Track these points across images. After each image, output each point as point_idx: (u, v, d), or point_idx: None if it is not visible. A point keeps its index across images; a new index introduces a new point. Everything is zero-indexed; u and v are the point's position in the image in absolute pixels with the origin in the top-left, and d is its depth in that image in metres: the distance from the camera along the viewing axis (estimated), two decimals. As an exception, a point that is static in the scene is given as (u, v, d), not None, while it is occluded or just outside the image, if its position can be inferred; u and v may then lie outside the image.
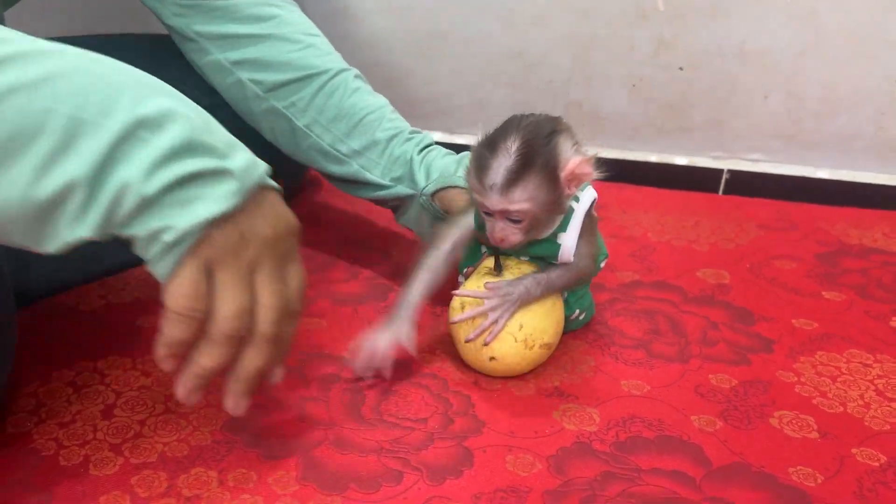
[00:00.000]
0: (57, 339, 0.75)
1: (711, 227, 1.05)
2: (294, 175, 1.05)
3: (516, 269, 0.71)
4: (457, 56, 1.21)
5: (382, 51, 1.23)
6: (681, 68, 1.16)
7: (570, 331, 0.78)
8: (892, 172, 1.15)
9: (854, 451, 0.64)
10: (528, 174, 0.63)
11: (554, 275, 0.70)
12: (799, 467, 0.62)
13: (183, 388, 0.52)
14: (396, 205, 0.85)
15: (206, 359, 0.51)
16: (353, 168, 0.84)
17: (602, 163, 0.67)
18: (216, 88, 0.85)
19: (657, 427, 0.66)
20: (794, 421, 0.67)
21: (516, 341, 0.68)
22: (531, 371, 0.72)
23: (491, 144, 0.64)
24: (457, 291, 0.71)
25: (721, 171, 1.19)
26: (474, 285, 0.70)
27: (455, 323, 0.70)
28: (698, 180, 1.20)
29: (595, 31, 1.15)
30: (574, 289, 0.74)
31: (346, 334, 0.77)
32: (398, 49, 1.22)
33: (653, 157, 1.22)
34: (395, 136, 0.83)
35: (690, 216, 1.08)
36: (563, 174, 0.64)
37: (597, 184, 0.70)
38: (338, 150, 0.84)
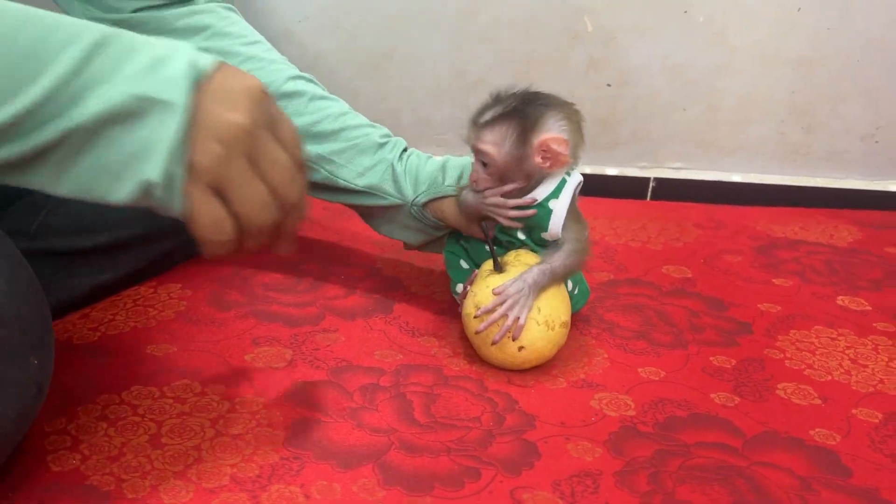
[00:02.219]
0: (66, 375, 0.70)
1: (656, 229, 1.13)
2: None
3: (518, 263, 0.74)
4: (402, 75, 1.23)
5: (327, 71, 1.23)
6: (609, 85, 1.25)
7: (574, 312, 0.82)
8: (794, 174, 1.29)
9: (854, 411, 0.72)
10: (502, 122, 0.71)
11: (556, 262, 0.74)
12: (817, 429, 0.69)
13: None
14: (369, 212, 0.85)
15: (254, 243, 0.51)
16: (321, 174, 0.82)
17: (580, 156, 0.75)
18: None
19: (686, 406, 0.71)
20: (796, 391, 0.75)
21: (538, 324, 0.72)
22: (556, 366, 0.76)
23: (495, 96, 0.73)
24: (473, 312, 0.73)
25: (648, 179, 1.29)
26: (482, 289, 0.73)
27: (478, 333, 0.72)
28: (628, 189, 1.29)
29: (534, 50, 1.22)
30: (574, 273, 0.79)
31: (368, 346, 0.77)
32: (344, 69, 1.23)
33: (586, 170, 1.29)
34: (364, 143, 0.82)
35: (635, 220, 1.16)
36: (537, 140, 0.70)
37: None
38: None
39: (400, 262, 0.96)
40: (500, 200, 0.74)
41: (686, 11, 1.20)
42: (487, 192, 0.74)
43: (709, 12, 1.19)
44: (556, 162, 0.72)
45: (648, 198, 1.29)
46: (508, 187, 0.73)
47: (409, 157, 0.84)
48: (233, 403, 0.67)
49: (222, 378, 0.71)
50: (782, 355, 0.81)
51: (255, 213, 0.49)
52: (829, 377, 0.77)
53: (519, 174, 0.73)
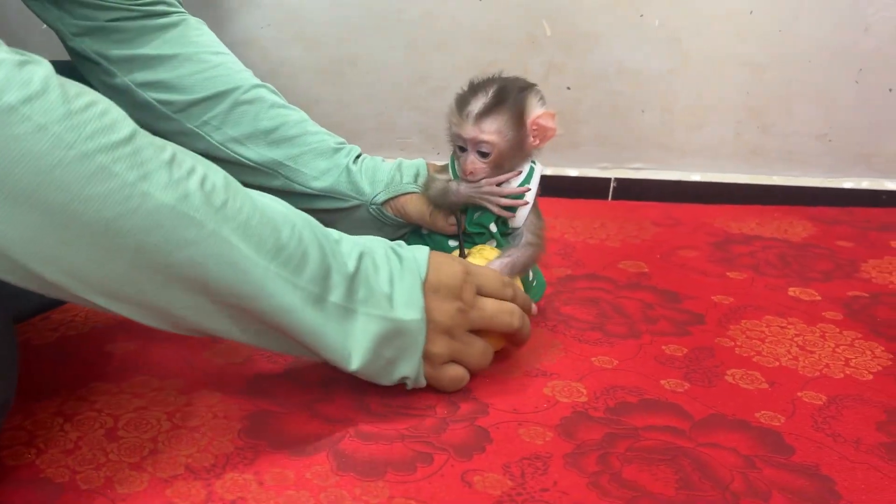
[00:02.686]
0: (24, 374, 0.70)
1: (615, 227, 1.16)
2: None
3: (479, 257, 0.76)
4: (365, 82, 1.25)
5: (290, 77, 1.25)
6: (568, 88, 1.28)
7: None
8: (751, 172, 1.32)
9: (800, 394, 0.74)
10: (500, 110, 0.74)
11: (516, 255, 0.77)
12: (763, 412, 0.71)
13: None
14: (329, 217, 0.86)
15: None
16: (279, 181, 0.84)
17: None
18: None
19: (637, 392, 0.73)
20: (744, 376, 0.77)
21: None
22: (511, 356, 0.77)
23: (472, 87, 0.76)
24: None
25: (609, 179, 1.32)
26: None
27: None
28: (589, 189, 1.31)
29: (494, 57, 1.24)
30: (531, 266, 0.81)
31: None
32: (307, 76, 1.25)
33: (548, 171, 1.31)
34: (320, 147, 0.84)
35: (595, 219, 1.18)
36: (529, 120, 0.75)
37: None
38: (259, 164, 0.83)
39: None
40: (497, 190, 0.76)
41: (642, 16, 1.23)
42: (483, 182, 0.76)
43: (663, 17, 1.23)
44: (544, 136, 0.76)
45: (610, 198, 1.32)
46: (504, 177, 0.76)
47: (363, 160, 0.86)
48: (190, 397, 0.68)
49: (181, 373, 0.72)
50: (733, 343, 0.83)
51: (481, 364, 0.71)
52: (777, 363, 0.79)
53: (517, 158, 0.76)
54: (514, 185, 0.77)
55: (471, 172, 0.76)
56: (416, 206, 0.82)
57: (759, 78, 1.26)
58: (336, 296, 0.61)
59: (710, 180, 1.31)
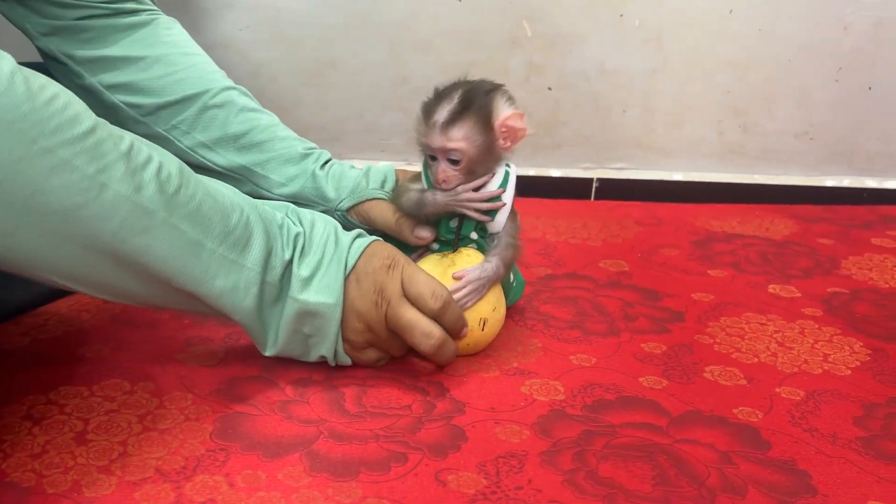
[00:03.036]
0: (-9, 377, 0.69)
1: (597, 226, 1.15)
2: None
3: (465, 259, 0.75)
4: (346, 84, 1.25)
5: (270, 80, 1.24)
6: (550, 88, 1.28)
7: (509, 305, 0.84)
8: (733, 171, 1.32)
9: (778, 389, 0.74)
10: (466, 116, 0.72)
11: (502, 254, 0.76)
12: (741, 408, 0.71)
13: None
14: None
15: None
16: (247, 186, 0.83)
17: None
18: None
19: (614, 390, 0.73)
20: (723, 373, 0.76)
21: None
22: (489, 356, 0.77)
23: (437, 94, 0.74)
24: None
25: (591, 179, 1.32)
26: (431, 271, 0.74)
27: None
28: (572, 189, 1.31)
29: (474, 57, 1.24)
30: (508, 272, 0.79)
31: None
32: (287, 78, 1.24)
33: (531, 171, 1.32)
34: (288, 153, 0.84)
35: (577, 219, 1.18)
36: (497, 122, 0.73)
37: None
38: (227, 170, 0.83)
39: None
40: (474, 195, 0.75)
41: (622, 15, 1.23)
42: (460, 188, 0.75)
43: (644, 16, 1.23)
44: (515, 137, 0.75)
45: (592, 198, 1.32)
46: (480, 181, 0.75)
47: (331, 166, 0.85)
48: (162, 400, 0.67)
49: (153, 377, 0.71)
50: (712, 340, 0.83)
51: (400, 353, 0.73)
52: (756, 359, 0.79)
53: (489, 162, 0.75)
54: (492, 188, 0.76)
55: (444, 181, 0.74)
56: (381, 213, 0.81)
57: (740, 77, 1.26)
58: (272, 277, 0.66)
59: (693, 179, 1.31)
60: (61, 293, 0.85)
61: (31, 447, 0.60)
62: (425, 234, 0.78)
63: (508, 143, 0.75)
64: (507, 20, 1.22)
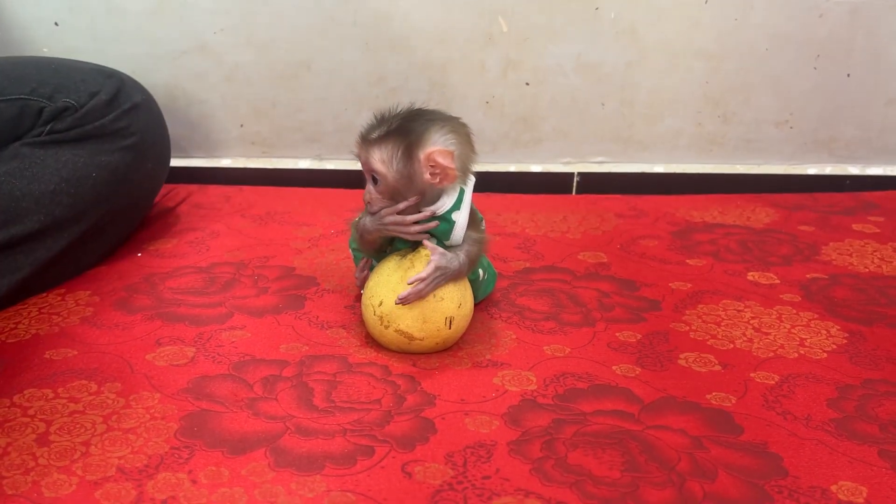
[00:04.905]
0: (-43, 382, 0.69)
1: (577, 220, 1.15)
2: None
3: (422, 259, 0.74)
4: (321, 85, 1.24)
5: (245, 83, 1.24)
6: (527, 84, 1.27)
7: (481, 299, 0.84)
8: (713, 162, 1.32)
9: (752, 374, 0.73)
10: (389, 140, 0.71)
11: (471, 249, 0.75)
12: (714, 393, 0.70)
13: None
14: None
15: None
16: None
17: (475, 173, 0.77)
18: None
19: (587, 379, 0.72)
20: (697, 360, 0.76)
21: (374, 314, 0.74)
22: (462, 349, 0.76)
23: (381, 115, 0.74)
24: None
25: (572, 174, 1.31)
26: (385, 279, 0.74)
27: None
28: (553, 184, 1.31)
29: (450, 55, 1.24)
30: (479, 260, 0.78)
31: (274, 341, 0.77)
32: (262, 80, 1.24)
33: (512, 168, 1.31)
34: None
35: (557, 213, 1.17)
36: (422, 154, 0.71)
37: None
38: None
39: (317, 263, 0.97)
40: (399, 218, 0.73)
41: (597, 9, 1.22)
42: (384, 212, 0.73)
43: (618, 9, 1.22)
44: (446, 177, 0.72)
45: (574, 192, 1.31)
46: (403, 205, 0.73)
47: None
48: (128, 400, 0.67)
49: (120, 377, 0.70)
50: (687, 328, 0.82)
51: None
52: (732, 345, 0.79)
53: (411, 191, 0.72)
54: (441, 211, 0.73)
55: (367, 202, 0.74)
56: None
57: (717, 67, 1.26)
58: None
59: (673, 171, 1.30)
60: (28, 293, 0.84)
61: (-8, 450, 0.60)
62: None
63: (438, 180, 0.72)
64: (482, 16, 1.22)
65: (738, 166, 1.32)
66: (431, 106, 1.23)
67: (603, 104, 1.28)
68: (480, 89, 1.27)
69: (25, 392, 0.67)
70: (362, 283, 0.79)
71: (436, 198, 0.74)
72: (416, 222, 0.73)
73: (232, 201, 1.18)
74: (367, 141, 0.72)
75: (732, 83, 1.27)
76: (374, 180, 0.73)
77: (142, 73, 1.09)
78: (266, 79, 1.24)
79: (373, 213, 0.74)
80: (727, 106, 1.28)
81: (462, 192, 0.75)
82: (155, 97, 1.05)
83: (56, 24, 1.19)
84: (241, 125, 1.27)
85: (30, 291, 0.85)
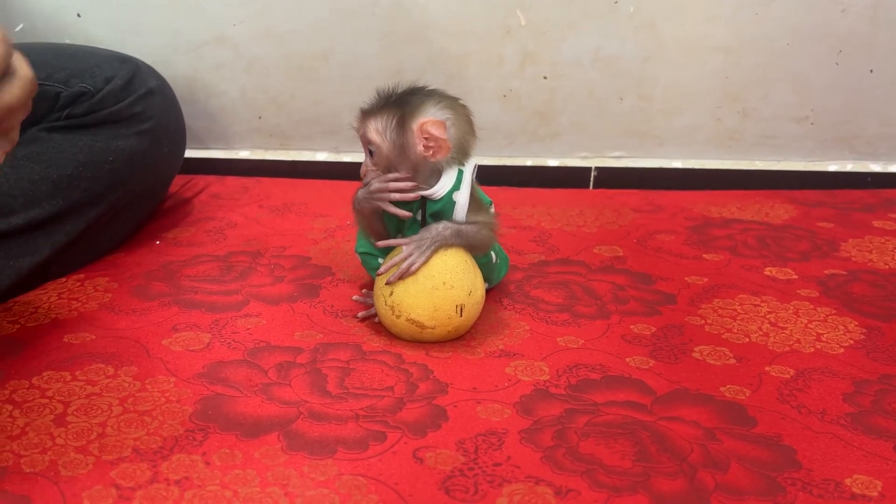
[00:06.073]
0: (-23, 364, 0.70)
1: (594, 214, 1.15)
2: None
3: None
4: (338, 77, 1.25)
5: (264, 75, 1.24)
6: (545, 77, 1.27)
7: (496, 283, 0.85)
8: (732, 158, 1.31)
9: (767, 368, 0.73)
10: (384, 112, 0.73)
11: (466, 226, 0.75)
12: (728, 386, 0.70)
13: None
14: None
15: None
16: None
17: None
18: None
19: (600, 370, 0.72)
20: (712, 353, 0.76)
21: (385, 304, 0.74)
22: (475, 338, 0.76)
23: (383, 91, 0.76)
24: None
25: (589, 168, 1.31)
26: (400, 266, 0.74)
27: (379, 276, 0.75)
28: (570, 179, 1.30)
29: (466, 49, 1.24)
30: (478, 252, 0.78)
31: (289, 328, 0.78)
32: (280, 73, 1.24)
33: (528, 162, 1.31)
34: None
35: (573, 207, 1.17)
36: (415, 126, 0.72)
37: (482, 188, 0.80)
38: None
39: (333, 253, 0.97)
40: (383, 185, 0.74)
41: (616, 2, 1.22)
42: (373, 181, 0.74)
43: (637, 3, 1.22)
44: (439, 149, 0.73)
45: (591, 187, 1.31)
46: (393, 175, 0.74)
47: None
48: (144, 384, 0.67)
49: (137, 361, 0.71)
50: (703, 322, 0.82)
51: None
52: (747, 339, 0.78)
53: (405, 164, 0.74)
54: (441, 191, 0.74)
55: (363, 174, 0.76)
56: None
57: (737, 62, 1.25)
58: None
59: (692, 167, 1.30)
60: (45, 279, 0.85)
61: (11, 429, 0.61)
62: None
63: (431, 153, 0.73)
64: (500, 8, 1.22)
65: (757, 162, 1.31)
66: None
67: (621, 98, 1.28)
68: (497, 82, 1.27)
69: (44, 374, 0.68)
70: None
71: (434, 178, 0.75)
72: (399, 190, 0.73)
73: (249, 192, 1.19)
74: (365, 112, 0.75)
75: (752, 78, 1.26)
76: (371, 153, 0.74)
77: (162, 65, 1.10)
78: (284, 71, 1.24)
79: (366, 184, 0.75)
80: (746, 101, 1.27)
81: (461, 172, 0.75)
82: (174, 88, 1.06)
83: (78, 15, 1.21)
84: (259, 117, 1.28)
85: (49, 275, 0.86)
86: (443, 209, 0.75)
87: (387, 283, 0.73)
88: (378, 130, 0.73)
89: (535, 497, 0.55)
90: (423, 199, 0.75)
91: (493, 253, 0.81)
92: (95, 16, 1.21)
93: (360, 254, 0.83)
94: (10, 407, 0.64)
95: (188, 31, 1.21)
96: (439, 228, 0.73)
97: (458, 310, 0.73)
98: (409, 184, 0.74)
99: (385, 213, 0.76)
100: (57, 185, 0.85)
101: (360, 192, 0.77)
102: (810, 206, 1.18)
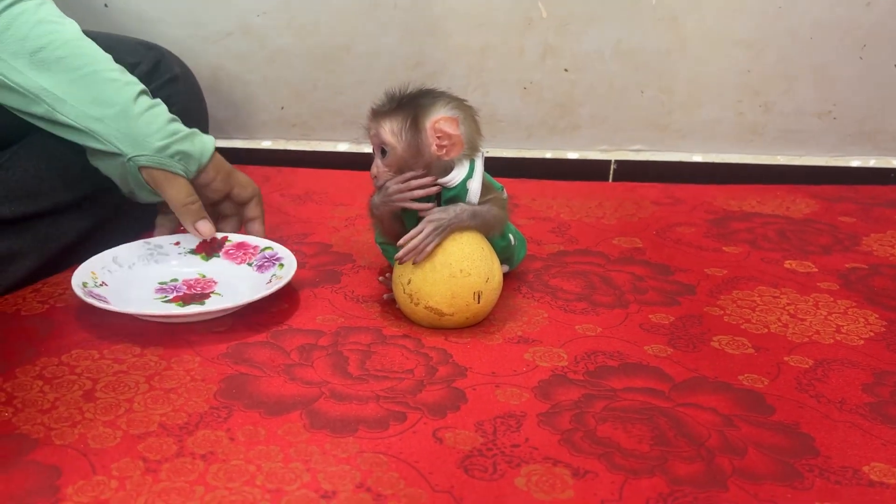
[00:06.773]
0: (8, 343, 0.72)
1: (613, 206, 1.15)
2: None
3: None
4: (360, 68, 1.26)
5: (286, 66, 1.26)
6: (566, 70, 1.27)
7: (516, 265, 0.86)
8: (753, 152, 1.30)
9: (786, 358, 0.73)
10: (398, 113, 0.73)
11: (480, 207, 0.75)
12: (746, 374, 0.70)
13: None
14: (89, 150, 0.82)
15: None
16: (42, 107, 0.78)
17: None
18: None
19: (618, 357, 0.72)
20: (731, 342, 0.76)
21: (404, 293, 0.75)
22: (493, 324, 0.77)
23: (391, 93, 0.76)
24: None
25: (609, 161, 1.31)
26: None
27: (397, 262, 0.75)
28: (590, 171, 1.30)
29: (487, 41, 1.25)
30: (494, 231, 0.78)
31: (311, 313, 0.79)
32: (303, 63, 1.26)
33: (548, 154, 1.31)
34: (93, 72, 0.79)
35: (593, 199, 1.17)
36: (428, 125, 0.72)
37: (500, 180, 0.81)
38: (22, 87, 0.77)
39: (353, 241, 0.98)
40: (402, 185, 0.74)
41: (638, -5, 1.22)
42: (389, 184, 0.75)
43: (660, -4, 1.22)
44: (452, 147, 0.73)
45: (611, 180, 1.31)
46: (410, 174, 0.74)
47: (153, 106, 0.82)
48: (170, 363, 0.69)
49: (162, 341, 0.72)
50: (722, 312, 0.82)
51: None
52: (766, 330, 0.78)
53: (419, 163, 0.74)
54: (454, 183, 0.75)
55: (374, 177, 0.76)
56: (174, 190, 0.82)
57: (759, 56, 1.24)
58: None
59: (712, 161, 1.29)
60: (72, 262, 0.87)
61: (42, 403, 0.62)
62: (204, 228, 0.85)
63: (444, 151, 0.73)
64: (521, 1, 1.22)
65: (778, 157, 1.30)
66: (470, 91, 1.26)
67: (642, 92, 1.28)
68: (518, 75, 1.27)
69: (73, 352, 0.70)
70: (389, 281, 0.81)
71: (446, 172, 0.75)
72: (420, 188, 0.74)
73: (271, 181, 1.20)
74: (377, 114, 0.75)
75: (774, 72, 1.25)
76: (383, 153, 0.75)
77: (187, 55, 1.12)
78: (307, 62, 1.26)
79: (379, 188, 0.76)
80: (768, 95, 1.27)
81: (473, 162, 0.76)
82: (199, 78, 1.07)
83: (105, 5, 1.23)
84: (282, 107, 1.30)
85: (76, 258, 0.87)
86: (457, 195, 0.76)
87: (400, 262, 0.74)
88: (393, 132, 0.73)
89: (553, 478, 0.55)
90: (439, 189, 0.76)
91: (510, 235, 0.82)
92: (122, 5, 1.22)
93: (380, 244, 0.84)
94: (40, 382, 0.65)
95: (213, 22, 1.23)
96: (457, 210, 0.74)
97: (476, 297, 0.74)
98: (428, 179, 0.74)
99: (405, 213, 0.76)
100: (84, 170, 0.86)
101: (376, 198, 0.76)
102: (832, 201, 1.18)
